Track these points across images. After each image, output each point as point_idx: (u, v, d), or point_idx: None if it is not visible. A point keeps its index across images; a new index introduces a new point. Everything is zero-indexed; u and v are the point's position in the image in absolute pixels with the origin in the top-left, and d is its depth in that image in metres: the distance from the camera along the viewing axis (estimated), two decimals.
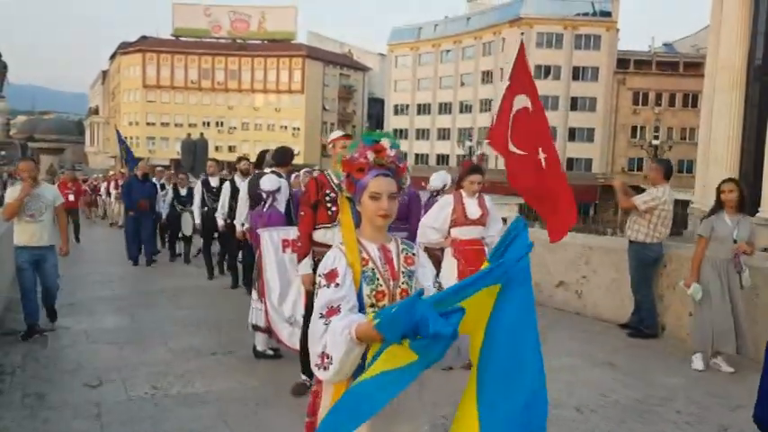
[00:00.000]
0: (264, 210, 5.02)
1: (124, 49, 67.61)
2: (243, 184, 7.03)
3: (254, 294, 5.13)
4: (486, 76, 58.64)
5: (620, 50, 53.49)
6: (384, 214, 2.03)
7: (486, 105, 58.77)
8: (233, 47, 66.75)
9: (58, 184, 13.38)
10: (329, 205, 3.99)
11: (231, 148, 60.50)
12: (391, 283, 2.05)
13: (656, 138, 34.52)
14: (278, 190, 5.09)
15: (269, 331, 4.98)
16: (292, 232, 4.80)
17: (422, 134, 60.95)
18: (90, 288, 8.27)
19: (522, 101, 5.21)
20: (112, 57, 73.32)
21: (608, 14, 52.94)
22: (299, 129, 64.81)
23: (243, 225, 6.89)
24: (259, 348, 5.13)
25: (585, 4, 53.84)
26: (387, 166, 2.07)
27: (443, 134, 60.67)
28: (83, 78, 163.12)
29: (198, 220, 9.17)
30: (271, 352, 5.12)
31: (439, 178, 6.32)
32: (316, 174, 7.16)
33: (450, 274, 4.79)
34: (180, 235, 11.04)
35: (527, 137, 5.18)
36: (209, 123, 63.02)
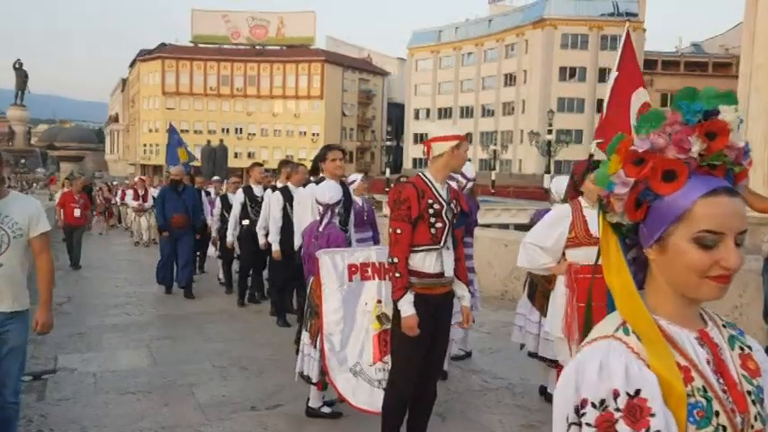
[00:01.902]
0: (321, 228, 3.87)
1: (143, 56, 67.55)
2: (296, 194, 5.94)
3: (306, 337, 3.97)
4: (509, 79, 57.44)
5: (646, 51, 52.11)
6: (723, 276, 0.90)
7: (508, 108, 57.50)
8: (251, 53, 66.30)
9: (63, 195, 11.01)
10: (433, 220, 2.88)
11: (250, 155, 59.93)
12: (738, 418, 0.92)
13: None
14: (338, 203, 3.94)
15: (323, 386, 3.86)
16: (360, 255, 3.67)
17: None
18: (102, 313, 7.20)
19: (643, 94, 4.59)
20: (132, 64, 73.34)
21: (634, 15, 51.59)
22: (318, 134, 64.04)
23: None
24: (311, 405, 3.98)
25: (610, 5, 52.57)
26: (727, 170, 0.94)
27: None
28: (102, 87, 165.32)
29: (230, 237, 7.82)
30: (327, 409, 3.97)
31: (561, 183, 4.54)
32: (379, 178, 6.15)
33: (560, 311, 3.57)
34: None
35: None
36: (228, 130, 62.56)
